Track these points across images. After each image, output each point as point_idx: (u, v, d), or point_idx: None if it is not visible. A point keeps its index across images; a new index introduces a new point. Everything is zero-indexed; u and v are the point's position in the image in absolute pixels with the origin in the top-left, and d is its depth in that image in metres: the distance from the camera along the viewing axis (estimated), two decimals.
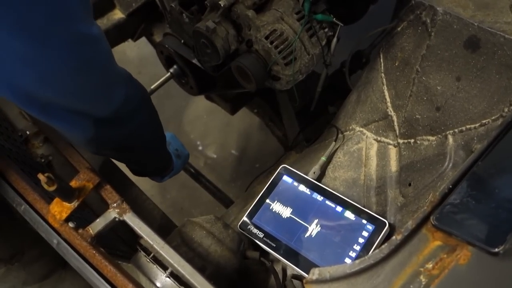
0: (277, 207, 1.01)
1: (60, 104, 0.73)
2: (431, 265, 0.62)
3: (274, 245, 0.96)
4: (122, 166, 1.32)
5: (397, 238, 0.66)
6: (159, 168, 1.07)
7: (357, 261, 0.68)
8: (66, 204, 0.85)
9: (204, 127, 2.13)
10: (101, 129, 0.80)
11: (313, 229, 0.95)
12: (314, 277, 0.70)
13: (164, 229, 1.21)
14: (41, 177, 0.77)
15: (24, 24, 0.60)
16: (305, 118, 1.30)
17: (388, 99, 0.98)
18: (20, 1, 0.58)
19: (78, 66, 0.69)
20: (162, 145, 1.03)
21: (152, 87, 1.26)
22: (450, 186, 0.67)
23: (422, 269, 0.62)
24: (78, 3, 0.65)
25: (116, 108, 0.79)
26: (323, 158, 1.03)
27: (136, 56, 2.24)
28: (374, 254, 0.67)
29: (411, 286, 0.62)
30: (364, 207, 0.95)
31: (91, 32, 0.69)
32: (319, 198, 0.98)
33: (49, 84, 0.68)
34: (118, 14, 1.44)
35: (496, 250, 0.57)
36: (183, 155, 1.16)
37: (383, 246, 0.67)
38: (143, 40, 1.58)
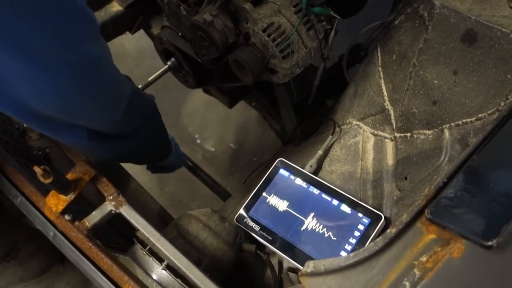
0: (273, 200, 1.01)
1: (62, 120, 0.73)
2: (425, 258, 0.62)
3: (270, 238, 0.97)
4: None
5: (391, 231, 0.66)
6: (160, 158, 1.10)
7: (351, 254, 0.68)
8: (62, 196, 0.85)
9: (202, 120, 2.13)
10: (106, 143, 0.81)
11: (309, 222, 0.96)
12: (309, 270, 0.70)
13: (162, 222, 1.21)
14: (36, 169, 0.76)
15: (22, 47, 0.59)
16: (302, 111, 1.30)
17: (385, 93, 0.98)
18: (18, 24, 0.57)
19: (79, 87, 0.68)
20: (166, 140, 1.05)
21: (149, 79, 1.26)
22: (445, 180, 0.67)
23: (416, 262, 0.62)
24: (81, 26, 0.64)
25: (121, 124, 0.79)
26: (320, 152, 1.03)
27: (134, 49, 2.23)
28: (368, 247, 0.67)
29: (405, 279, 0.62)
30: (360, 200, 0.95)
31: (94, 53, 0.68)
32: (316, 191, 0.99)
33: (50, 103, 0.68)
34: (116, 7, 1.44)
35: (490, 243, 0.57)
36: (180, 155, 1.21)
37: (377, 239, 0.67)
38: (141, 32, 1.57)
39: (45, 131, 0.75)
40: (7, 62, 0.61)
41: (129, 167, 1.22)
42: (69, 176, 0.87)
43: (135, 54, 2.23)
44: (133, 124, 0.82)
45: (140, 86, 1.24)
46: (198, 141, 2.09)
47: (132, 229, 0.87)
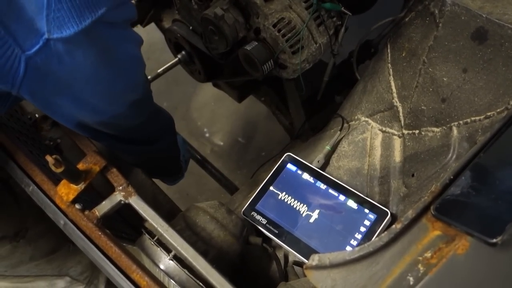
0: (280, 194, 1.02)
1: (105, 132, 0.92)
2: (429, 254, 0.63)
3: (277, 232, 0.97)
4: None
5: (396, 227, 0.67)
6: (171, 174, 1.30)
7: (356, 249, 0.68)
8: (73, 186, 0.87)
9: (211, 114, 2.14)
10: (137, 147, 1.02)
11: (316, 217, 0.96)
12: (314, 263, 0.71)
13: (169, 213, 1.22)
14: (48, 158, 0.78)
15: (106, 90, 0.79)
16: (311, 107, 1.30)
17: (394, 90, 0.98)
18: (109, 73, 0.77)
19: (131, 115, 0.88)
20: (178, 159, 1.26)
21: (159, 71, 1.27)
22: (451, 177, 0.67)
23: (420, 258, 0.63)
24: (142, 69, 0.88)
25: (154, 134, 1.04)
26: (328, 147, 1.04)
27: (145, 42, 2.21)
28: (373, 242, 0.68)
29: (409, 274, 0.62)
30: (367, 196, 0.95)
31: (146, 87, 0.91)
32: (323, 186, 0.99)
33: (108, 126, 0.90)
34: None
35: (494, 240, 0.58)
36: (188, 159, 1.38)
37: (382, 235, 0.67)
38: (152, 26, 1.58)
39: (91, 137, 0.97)
40: (88, 100, 0.78)
41: None
42: (80, 166, 0.89)
43: (145, 47, 2.21)
44: (154, 132, 1.04)
45: (149, 78, 1.25)
46: (207, 135, 2.10)
47: (140, 220, 0.88)
